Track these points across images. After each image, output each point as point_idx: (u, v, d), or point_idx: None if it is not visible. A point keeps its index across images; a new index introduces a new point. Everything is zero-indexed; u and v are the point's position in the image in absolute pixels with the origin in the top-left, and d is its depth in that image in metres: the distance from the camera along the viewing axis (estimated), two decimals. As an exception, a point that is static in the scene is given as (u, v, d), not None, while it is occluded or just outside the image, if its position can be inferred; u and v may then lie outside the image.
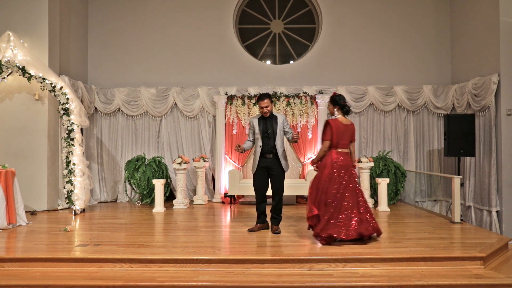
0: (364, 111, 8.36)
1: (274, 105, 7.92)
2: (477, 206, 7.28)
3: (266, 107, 4.97)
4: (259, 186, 5.11)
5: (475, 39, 7.66)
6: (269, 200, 5.37)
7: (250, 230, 5.13)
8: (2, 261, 4.00)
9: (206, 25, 8.59)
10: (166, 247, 4.41)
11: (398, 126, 8.38)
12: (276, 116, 5.09)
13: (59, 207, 7.12)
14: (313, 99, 7.99)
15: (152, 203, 7.47)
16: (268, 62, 8.95)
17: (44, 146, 6.93)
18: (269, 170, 5.06)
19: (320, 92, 8.05)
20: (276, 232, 5.02)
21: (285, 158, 5.13)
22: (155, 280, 3.66)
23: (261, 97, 5.03)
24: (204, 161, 7.62)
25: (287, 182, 7.32)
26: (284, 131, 5.11)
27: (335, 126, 4.65)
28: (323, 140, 4.76)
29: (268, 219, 5.26)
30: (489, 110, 7.05)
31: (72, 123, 6.70)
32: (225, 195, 7.83)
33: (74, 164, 6.68)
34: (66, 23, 7.67)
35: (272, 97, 5.11)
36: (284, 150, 5.13)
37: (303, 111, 7.96)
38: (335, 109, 4.80)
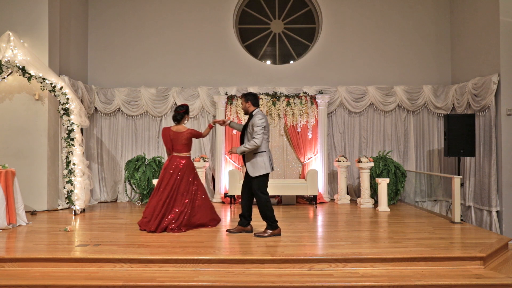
0: (364, 111, 8.37)
1: (274, 105, 7.93)
2: (477, 206, 7.28)
3: (241, 105, 5.04)
4: (241, 187, 5.15)
5: (475, 39, 7.66)
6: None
7: (228, 231, 5.10)
8: (2, 261, 3.99)
9: (206, 25, 8.59)
10: (166, 247, 4.40)
11: (398, 126, 8.38)
12: (253, 116, 4.90)
13: (59, 207, 7.12)
14: (313, 99, 7.99)
15: (152, 203, 7.46)
16: (268, 62, 8.95)
17: (44, 146, 6.93)
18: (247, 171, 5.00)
19: (320, 92, 8.05)
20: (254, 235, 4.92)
21: (253, 162, 4.83)
22: (155, 280, 3.66)
23: None
24: (204, 161, 7.62)
25: (287, 182, 7.37)
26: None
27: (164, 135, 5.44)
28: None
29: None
30: (489, 110, 7.05)
31: (72, 123, 6.70)
32: (225, 195, 7.83)
33: (74, 164, 6.68)
34: (66, 23, 7.67)
35: (249, 97, 5.01)
36: (253, 152, 4.85)
37: (303, 111, 7.95)
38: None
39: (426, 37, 8.58)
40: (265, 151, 4.87)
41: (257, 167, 4.84)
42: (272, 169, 4.99)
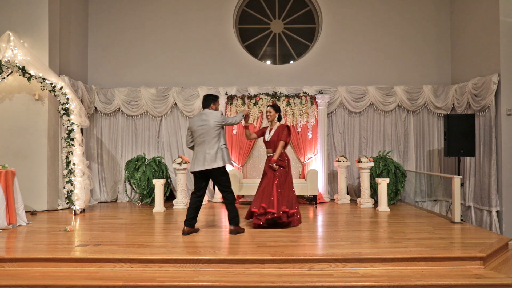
0: (364, 111, 8.37)
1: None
2: (477, 206, 7.28)
3: None
4: None
5: (475, 39, 7.66)
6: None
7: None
8: (2, 261, 4.00)
9: (206, 25, 8.59)
10: (166, 247, 4.40)
11: (398, 126, 8.38)
12: None
13: (59, 207, 7.12)
14: (313, 99, 7.99)
15: (152, 203, 7.47)
16: (268, 62, 8.95)
17: (44, 146, 6.93)
18: None
19: (320, 92, 8.05)
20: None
21: None
22: (155, 280, 3.66)
23: None
24: (204, 161, 7.61)
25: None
26: None
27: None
28: (283, 140, 5.44)
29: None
30: (489, 110, 7.06)
31: (72, 123, 6.70)
32: (225, 195, 7.81)
33: (74, 164, 6.68)
34: (66, 23, 7.67)
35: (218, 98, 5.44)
36: None
37: (303, 111, 7.95)
38: (277, 115, 5.64)
39: (426, 37, 8.58)
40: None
41: None
42: (193, 171, 4.99)
